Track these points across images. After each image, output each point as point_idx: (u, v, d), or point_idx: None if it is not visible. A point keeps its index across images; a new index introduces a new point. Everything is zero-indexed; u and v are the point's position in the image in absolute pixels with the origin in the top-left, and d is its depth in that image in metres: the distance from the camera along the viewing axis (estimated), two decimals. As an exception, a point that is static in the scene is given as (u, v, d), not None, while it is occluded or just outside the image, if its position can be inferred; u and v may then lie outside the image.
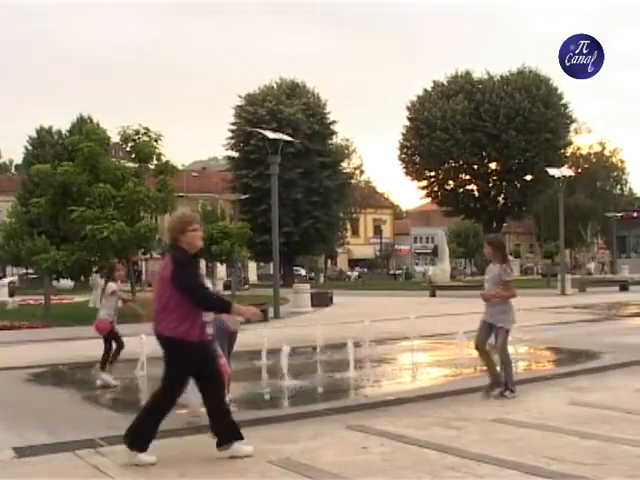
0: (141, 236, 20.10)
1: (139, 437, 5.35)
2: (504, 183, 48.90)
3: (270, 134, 24.17)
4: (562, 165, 41.02)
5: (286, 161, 31.32)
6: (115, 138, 22.53)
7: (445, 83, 49.85)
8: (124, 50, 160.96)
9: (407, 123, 50.14)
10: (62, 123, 72.73)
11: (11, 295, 28.84)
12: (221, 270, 45.95)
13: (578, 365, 10.44)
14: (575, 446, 5.54)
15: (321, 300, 25.88)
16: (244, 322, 7.07)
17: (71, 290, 36.25)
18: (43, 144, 52.29)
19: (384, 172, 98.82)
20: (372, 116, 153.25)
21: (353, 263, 76.68)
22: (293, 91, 50.24)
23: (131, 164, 21.93)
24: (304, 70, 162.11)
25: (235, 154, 50.84)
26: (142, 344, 9.66)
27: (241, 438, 5.45)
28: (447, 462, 5.15)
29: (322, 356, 11.11)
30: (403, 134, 50.60)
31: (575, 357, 11.34)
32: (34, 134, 54.34)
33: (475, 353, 8.03)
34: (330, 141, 52.23)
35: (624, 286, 35.77)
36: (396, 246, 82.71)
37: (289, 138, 25.73)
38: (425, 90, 50.06)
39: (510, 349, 8.03)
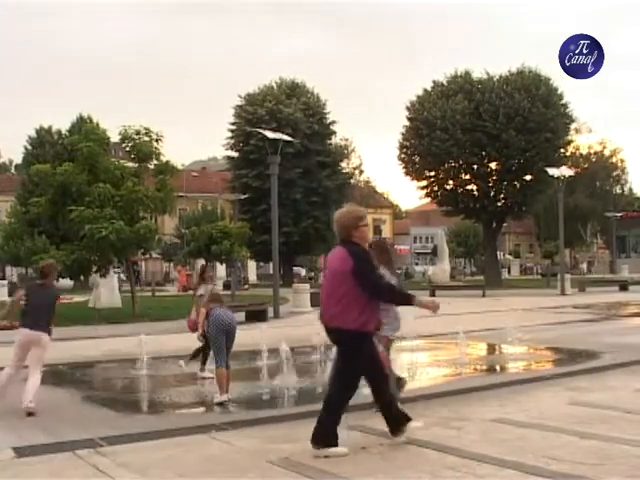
0: (141, 236, 20.09)
1: (326, 437, 5.33)
2: (504, 183, 48.79)
3: (270, 134, 24.14)
4: (562, 165, 40.92)
5: (286, 161, 31.30)
6: (115, 138, 22.52)
7: (445, 83, 49.73)
8: (124, 50, 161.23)
9: (407, 123, 50.00)
10: (62, 123, 72.75)
11: (10, 295, 28.80)
12: (221, 270, 46.06)
13: (578, 365, 10.44)
14: (575, 446, 5.54)
15: (321, 300, 25.82)
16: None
17: (71, 290, 36.22)
18: (43, 144, 52.29)
19: (384, 172, 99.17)
20: (372, 116, 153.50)
21: (353, 263, 76.49)
22: (293, 91, 50.18)
23: (131, 164, 21.90)
24: (304, 70, 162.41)
25: (235, 154, 50.77)
26: (142, 344, 9.68)
27: (410, 419, 5.61)
28: (447, 462, 5.15)
29: (322, 356, 11.10)
30: (403, 134, 50.48)
31: (575, 357, 11.34)
32: (34, 134, 54.34)
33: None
34: (329, 141, 52.16)
35: (624, 286, 35.82)
36: (396, 246, 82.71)
37: (289, 138, 25.70)
38: (425, 90, 49.94)
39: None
